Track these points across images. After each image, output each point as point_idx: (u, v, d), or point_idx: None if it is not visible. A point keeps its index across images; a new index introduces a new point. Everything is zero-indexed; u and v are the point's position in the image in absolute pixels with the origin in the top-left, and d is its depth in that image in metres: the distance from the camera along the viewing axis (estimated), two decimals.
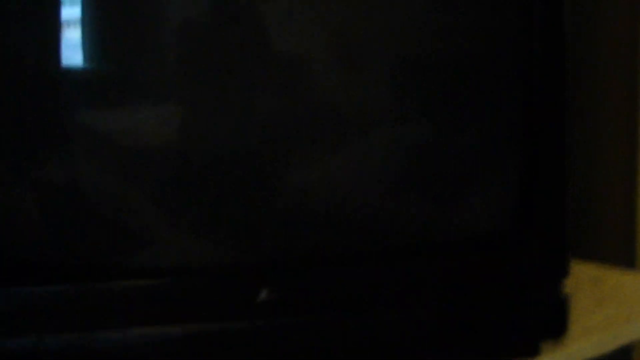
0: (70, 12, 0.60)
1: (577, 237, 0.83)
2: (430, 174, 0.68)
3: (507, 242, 0.68)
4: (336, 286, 0.67)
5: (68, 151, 0.62)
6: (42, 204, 0.63)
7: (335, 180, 0.66)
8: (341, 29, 0.65)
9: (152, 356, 0.64)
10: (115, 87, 0.62)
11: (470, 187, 0.69)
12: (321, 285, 0.67)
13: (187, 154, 0.64)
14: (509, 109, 0.69)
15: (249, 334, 0.65)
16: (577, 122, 0.77)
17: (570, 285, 0.71)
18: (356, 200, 0.67)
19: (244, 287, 0.65)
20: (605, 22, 1.01)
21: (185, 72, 0.63)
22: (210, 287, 0.65)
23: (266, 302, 0.64)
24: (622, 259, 0.99)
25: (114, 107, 0.62)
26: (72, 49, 0.60)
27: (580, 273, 0.87)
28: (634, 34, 0.98)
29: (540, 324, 0.69)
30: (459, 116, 0.68)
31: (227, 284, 0.65)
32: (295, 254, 0.67)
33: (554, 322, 0.69)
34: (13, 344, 0.61)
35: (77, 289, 0.62)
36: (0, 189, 0.60)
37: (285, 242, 0.67)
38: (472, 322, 0.68)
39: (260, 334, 0.66)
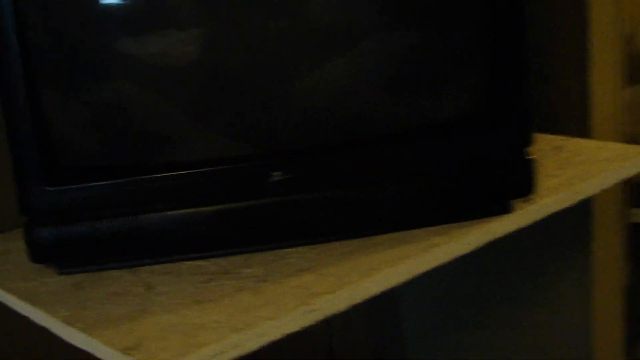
0: None
1: (539, 114, 0.94)
2: (415, 70, 0.78)
3: (482, 121, 0.78)
4: (338, 167, 0.78)
5: (110, 73, 0.74)
6: (94, 118, 0.74)
7: (335, 80, 0.77)
8: None
9: (187, 232, 0.77)
10: (144, 15, 0.73)
11: (451, 78, 0.80)
12: (326, 167, 0.78)
13: (208, 67, 0.75)
14: (478, 11, 0.78)
15: (266, 209, 0.77)
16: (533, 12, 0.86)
17: (535, 153, 0.80)
18: (352, 94, 0.78)
19: (261, 170, 0.76)
20: None
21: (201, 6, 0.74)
22: (233, 173, 0.76)
23: (279, 182, 0.75)
24: (577, 133, 1.11)
25: (144, 34, 0.73)
26: None
27: (544, 143, 1.00)
28: None
29: (511, 186, 0.80)
30: (436, 19, 0.78)
31: (247, 169, 0.76)
32: (303, 141, 0.78)
33: (522, 183, 0.80)
34: (76, 230, 0.74)
35: (124, 183, 0.73)
36: (61, 109, 0.71)
37: (294, 132, 0.78)
38: (453, 189, 0.80)
39: (274, 208, 0.77)
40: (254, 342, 0.62)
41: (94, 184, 0.73)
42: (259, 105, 0.76)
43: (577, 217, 1.11)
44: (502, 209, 0.80)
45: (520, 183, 0.80)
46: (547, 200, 0.84)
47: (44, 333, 0.70)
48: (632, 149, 1.00)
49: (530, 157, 0.80)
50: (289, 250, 0.78)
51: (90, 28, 0.72)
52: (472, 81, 0.80)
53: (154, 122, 0.75)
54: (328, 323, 1.22)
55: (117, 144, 0.75)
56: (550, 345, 1.27)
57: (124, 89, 0.74)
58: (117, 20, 0.73)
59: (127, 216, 0.75)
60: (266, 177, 0.75)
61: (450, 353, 1.38)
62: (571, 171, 0.92)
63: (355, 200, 0.79)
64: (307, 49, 0.76)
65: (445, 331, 1.37)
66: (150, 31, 0.72)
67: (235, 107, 0.76)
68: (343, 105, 0.78)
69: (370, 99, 0.79)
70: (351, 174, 0.79)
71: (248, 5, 0.74)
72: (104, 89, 0.74)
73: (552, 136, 1.04)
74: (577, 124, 1.14)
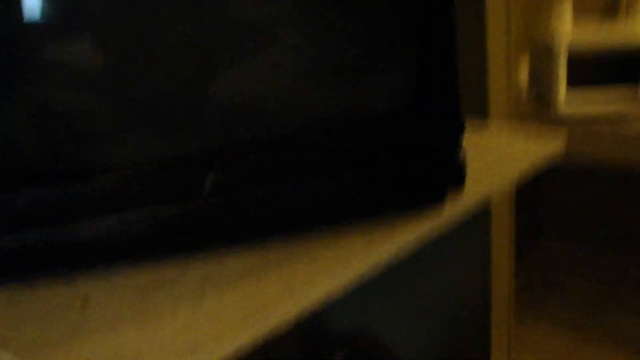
0: None
1: None
2: (342, 62, 0.77)
3: (413, 111, 0.78)
4: (271, 165, 0.76)
5: (32, 75, 0.69)
6: (16, 121, 0.68)
7: (259, 74, 0.74)
8: None
9: (121, 239, 0.73)
10: (63, 16, 0.68)
11: (380, 68, 0.78)
12: (258, 165, 0.76)
13: (131, 67, 0.71)
14: (403, 2, 0.78)
15: (201, 212, 0.75)
16: None
17: None
18: (277, 88, 0.76)
19: (195, 172, 0.73)
20: None
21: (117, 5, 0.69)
22: (166, 176, 0.73)
23: (214, 183, 0.73)
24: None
25: (63, 36, 0.68)
26: None
27: None
28: None
29: (445, 176, 0.82)
30: (359, 10, 0.76)
31: (179, 171, 0.73)
32: (233, 140, 0.75)
33: (456, 173, 0.81)
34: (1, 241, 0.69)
35: (52, 189, 0.69)
36: None
37: (222, 131, 0.75)
38: (388, 182, 0.80)
39: (210, 210, 0.75)
40: None
41: (19, 191, 0.69)
42: (185, 104, 0.73)
43: None
44: (437, 200, 0.82)
45: (454, 173, 0.82)
46: (474, 189, 0.86)
47: None
48: (542, 136, 1.04)
49: (460, 147, 0.81)
50: (227, 253, 0.76)
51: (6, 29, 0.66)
52: (402, 70, 0.79)
53: (79, 124, 0.71)
54: None
55: (42, 149, 0.70)
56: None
57: (46, 92, 0.69)
58: (37, 22, 0.67)
59: (57, 225, 0.71)
60: (200, 179, 0.73)
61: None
62: (489, 157, 0.95)
63: (291, 197, 0.77)
64: (227, 44, 0.73)
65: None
66: (68, 33, 0.67)
67: (161, 107, 0.73)
68: (269, 100, 0.76)
69: (297, 92, 0.77)
70: (284, 171, 0.77)
71: (165, 2, 0.70)
72: (26, 92, 0.69)
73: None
74: (477, 106, 1.19)
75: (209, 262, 0.75)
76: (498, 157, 0.96)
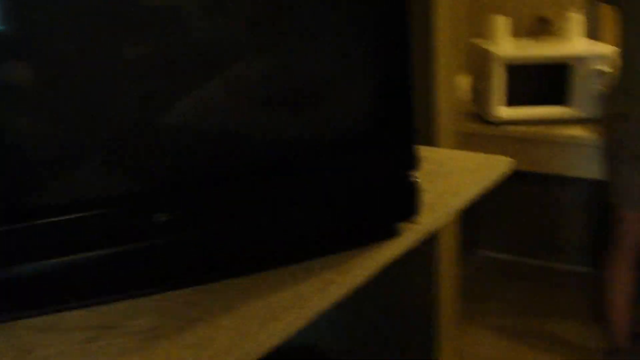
0: None
1: None
2: (294, 94, 0.75)
3: (365, 144, 0.76)
4: (222, 202, 0.73)
5: None
6: None
7: (207, 107, 0.71)
8: None
9: (67, 281, 0.69)
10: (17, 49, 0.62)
11: (331, 102, 0.76)
12: (210, 203, 0.73)
13: (75, 102, 0.66)
14: (361, 32, 0.75)
15: (149, 252, 0.71)
16: None
17: None
18: (228, 121, 0.73)
19: (143, 211, 0.69)
20: None
21: (67, 31, 0.64)
22: (113, 215, 0.69)
23: (163, 222, 0.70)
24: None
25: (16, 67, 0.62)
26: None
27: None
28: None
29: (398, 208, 0.80)
30: (315, 40, 0.74)
31: (127, 211, 0.69)
32: (183, 177, 0.72)
33: (409, 205, 0.80)
34: None
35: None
36: None
37: (172, 168, 0.72)
38: (341, 217, 0.78)
39: (158, 250, 0.71)
40: None
41: None
42: (132, 139, 0.69)
43: None
44: (390, 232, 0.80)
45: (407, 205, 0.80)
46: (428, 218, 0.85)
47: None
48: (490, 158, 1.04)
49: (415, 178, 0.80)
50: (177, 293, 0.72)
51: None
52: (354, 104, 0.78)
53: (24, 163, 0.66)
54: None
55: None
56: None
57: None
58: None
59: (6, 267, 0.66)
60: (149, 218, 0.69)
61: None
62: (441, 185, 0.94)
63: (242, 236, 0.75)
64: (177, 76, 0.70)
65: None
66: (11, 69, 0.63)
67: (107, 143, 0.69)
68: (219, 136, 0.73)
69: (248, 128, 0.74)
70: (236, 208, 0.74)
71: (113, 33, 0.66)
72: None
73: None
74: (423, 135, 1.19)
75: (160, 302, 0.71)
76: (450, 185, 0.95)
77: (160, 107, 0.70)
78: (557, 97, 2.22)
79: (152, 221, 0.69)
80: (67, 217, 0.68)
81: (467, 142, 2.07)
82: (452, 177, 0.97)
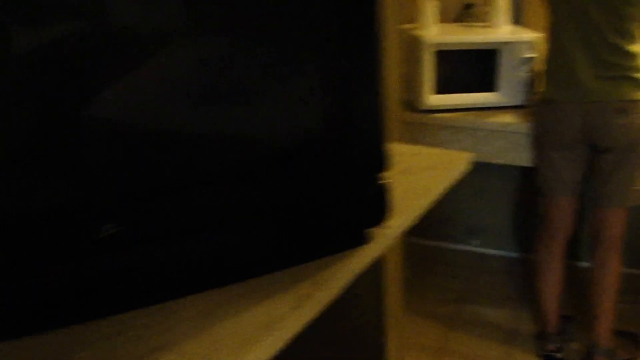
0: None
1: None
2: (252, 96, 0.67)
3: (331, 147, 0.70)
4: (176, 212, 0.65)
5: None
6: None
7: (141, 101, 0.62)
8: None
9: (11, 304, 0.60)
10: None
11: (294, 102, 0.69)
12: (163, 213, 0.65)
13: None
14: (321, 17, 0.69)
15: (97, 270, 0.63)
16: None
17: None
18: (168, 116, 0.64)
19: (88, 224, 0.61)
20: None
21: None
22: (52, 229, 0.60)
23: (110, 236, 0.61)
24: None
25: None
26: None
27: None
28: None
29: (368, 214, 0.75)
30: (265, 26, 0.66)
31: (70, 224, 0.60)
32: (129, 185, 0.63)
33: (379, 210, 0.75)
34: None
35: None
36: None
37: (113, 175, 0.63)
38: (309, 225, 0.71)
39: (107, 268, 0.63)
40: None
41: None
42: (59, 137, 0.59)
43: None
44: (362, 239, 0.75)
45: (377, 210, 0.75)
46: (396, 222, 0.80)
47: None
48: (448, 154, 1.01)
49: (384, 181, 0.75)
50: (128, 317, 0.64)
51: None
52: (315, 100, 0.71)
53: None
54: None
55: None
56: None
57: None
58: None
59: None
60: (95, 232, 0.61)
61: None
62: (404, 184, 0.90)
63: (201, 249, 0.67)
64: (106, 56, 0.60)
65: None
66: None
67: (32, 142, 0.59)
68: (164, 137, 0.64)
69: (196, 127, 0.66)
70: (192, 219, 0.66)
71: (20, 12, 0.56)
72: None
73: None
74: None
75: (111, 326, 0.63)
76: (411, 183, 0.90)
77: (89, 99, 0.60)
78: (486, 84, 2.24)
79: (98, 235, 0.61)
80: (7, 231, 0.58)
81: (400, 130, 2.05)
82: (412, 175, 0.93)
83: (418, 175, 0.93)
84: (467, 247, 2.70)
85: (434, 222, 2.71)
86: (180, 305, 0.65)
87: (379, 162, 0.73)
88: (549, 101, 1.88)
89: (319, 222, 0.72)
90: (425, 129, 2.24)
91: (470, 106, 2.24)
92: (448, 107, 2.23)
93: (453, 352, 2.11)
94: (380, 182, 0.74)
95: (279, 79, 0.69)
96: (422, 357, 2.11)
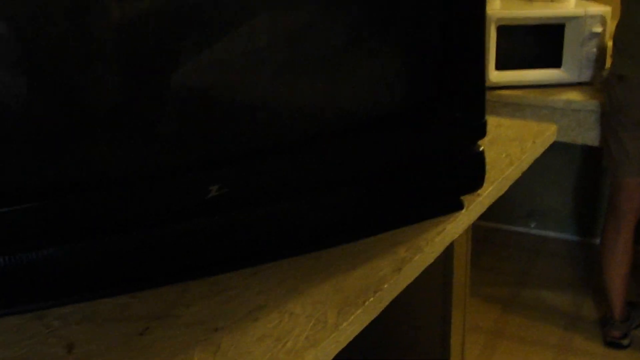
0: None
1: None
2: (356, 58, 0.65)
3: (433, 112, 0.69)
4: (279, 175, 0.65)
5: None
6: None
7: (260, 70, 0.62)
8: None
9: (105, 265, 0.60)
10: None
11: (398, 67, 0.68)
12: (266, 176, 0.64)
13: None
14: None
15: (200, 231, 0.63)
16: None
17: None
18: (280, 86, 0.64)
19: (196, 185, 0.60)
20: None
21: None
22: (160, 191, 0.60)
23: (216, 197, 0.61)
24: None
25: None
26: None
27: None
28: None
29: (466, 180, 0.73)
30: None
31: (179, 185, 0.60)
32: (236, 148, 0.63)
33: (476, 176, 0.73)
34: None
35: (24, 210, 0.55)
36: None
37: (224, 137, 0.63)
38: (408, 188, 0.70)
39: (209, 229, 0.63)
40: None
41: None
42: (176, 105, 0.59)
43: None
44: (457, 205, 0.73)
45: (474, 176, 0.73)
46: (487, 190, 0.78)
47: None
48: (534, 125, 0.98)
49: (481, 148, 0.73)
50: (227, 277, 0.64)
51: None
52: (420, 69, 0.69)
53: (60, 131, 0.56)
54: None
55: (15, 161, 0.55)
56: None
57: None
58: None
59: (31, 250, 0.57)
60: (203, 193, 0.60)
61: None
62: (490, 154, 0.87)
63: (300, 212, 0.67)
64: (198, 32, 0.58)
65: None
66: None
67: (148, 111, 0.59)
68: (274, 100, 0.64)
69: (304, 90, 0.65)
70: (293, 181, 0.66)
71: None
72: None
73: None
74: None
75: (209, 287, 0.62)
76: (499, 153, 0.88)
77: (186, 71, 0.60)
78: (550, 60, 2.18)
79: (205, 196, 0.60)
80: (107, 193, 0.58)
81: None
82: (498, 145, 0.90)
83: (505, 146, 0.90)
84: (526, 230, 2.65)
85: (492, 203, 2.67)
86: (278, 269, 0.65)
87: (479, 128, 0.71)
88: (620, 77, 1.81)
89: (418, 186, 0.71)
90: (487, 105, 2.19)
91: (534, 83, 2.18)
92: (510, 84, 2.17)
93: (511, 335, 2.08)
94: (478, 148, 0.72)
95: (392, 50, 0.67)
96: (479, 339, 2.08)
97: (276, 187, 0.65)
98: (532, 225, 2.66)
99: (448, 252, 1.28)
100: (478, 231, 2.64)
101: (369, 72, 0.67)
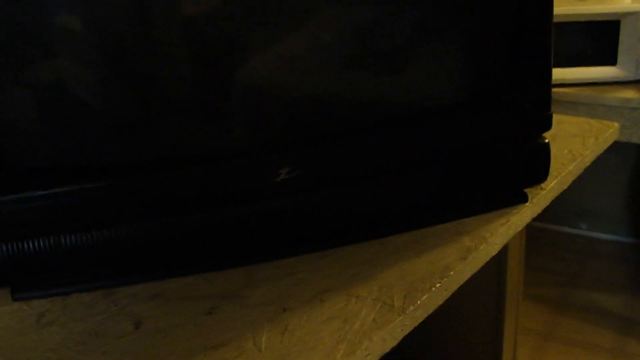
0: None
1: None
2: (425, 46, 0.65)
3: (500, 103, 0.69)
4: (348, 159, 0.66)
5: (50, 51, 0.53)
6: (43, 107, 0.54)
7: (330, 56, 0.63)
8: None
9: (175, 245, 0.62)
10: None
11: (466, 56, 0.68)
12: (334, 160, 0.65)
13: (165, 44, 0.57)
14: None
15: (268, 213, 0.64)
16: None
17: None
18: (350, 71, 0.64)
19: (267, 167, 0.62)
20: None
21: None
22: (233, 171, 0.62)
23: (286, 180, 0.62)
24: None
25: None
26: None
27: None
28: None
29: (531, 172, 0.73)
30: None
31: (249, 166, 0.62)
32: (305, 131, 0.64)
33: (541, 169, 0.73)
34: (32, 246, 0.58)
35: (93, 188, 0.58)
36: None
37: (294, 120, 0.64)
38: (475, 179, 0.70)
39: (278, 211, 0.64)
40: None
41: (52, 190, 0.57)
42: (223, 90, 0.60)
43: None
44: (521, 197, 0.73)
45: (539, 169, 0.73)
46: (550, 184, 0.77)
47: None
48: (595, 123, 0.97)
49: (546, 140, 0.72)
50: (293, 260, 0.65)
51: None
52: (489, 59, 0.69)
53: (129, 108, 0.58)
54: None
55: (79, 138, 0.57)
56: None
57: (69, 70, 0.55)
58: None
59: (99, 228, 0.59)
60: (273, 175, 0.61)
61: None
62: (552, 149, 0.86)
63: (368, 195, 0.67)
64: (259, 20, 0.59)
65: None
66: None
67: (204, 92, 0.60)
68: (341, 89, 0.65)
69: (371, 82, 0.66)
70: (361, 166, 0.66)
71: None
72: (46, 70, 0.55)
73: None
74: None
75: (276, 270, 0.64)
76: (560, 149, 0.87)
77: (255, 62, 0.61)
78: (604, 57, 2.14)
79: (274, 178, 0.61)
80: (180, 174, 0.60)
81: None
82: (560, 141, 0.89)
83: (566, 142, 0.89)
84: (576, 231, 2.60)
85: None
86: (342, 254, 0.66)
87: (546, 120, 0.71)
88: None
89: (484, 176, 0.71)
90: None
91: (587, 81, 2.14)
92: (563, 82, 2.14)
93: (562, 338, 2.05)
94: (544, 141, 0.72)
95: (461, 40, 0.67)
96: (529, 341, 2.05)
97: (343, 173, 0.66)
98: (583, 227, 2.61)
99: (502, 251, 1.27)
100: (526, 231, 2.60)
101: (438, 65, 0.67)
